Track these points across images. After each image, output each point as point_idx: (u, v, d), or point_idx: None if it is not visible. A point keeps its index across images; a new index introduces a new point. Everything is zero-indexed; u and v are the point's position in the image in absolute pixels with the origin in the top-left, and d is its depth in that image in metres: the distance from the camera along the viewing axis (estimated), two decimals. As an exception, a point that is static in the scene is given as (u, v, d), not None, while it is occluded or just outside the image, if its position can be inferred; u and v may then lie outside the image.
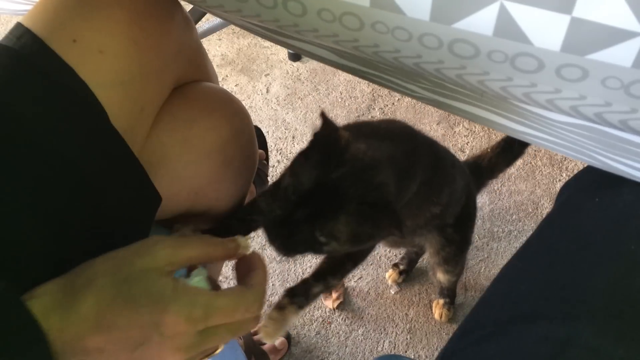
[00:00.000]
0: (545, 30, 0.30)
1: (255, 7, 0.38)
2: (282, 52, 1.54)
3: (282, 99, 1.45)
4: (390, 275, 1.11)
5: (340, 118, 1.39)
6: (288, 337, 1.06)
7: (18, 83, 0.44)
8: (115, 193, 0.47)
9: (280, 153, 1.33)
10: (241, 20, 0.41)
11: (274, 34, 0.42)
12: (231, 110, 0.60)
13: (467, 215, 0.87)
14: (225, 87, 1.37)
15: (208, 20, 1.46)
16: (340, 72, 1.46)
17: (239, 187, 0.64)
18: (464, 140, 1.31)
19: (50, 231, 0.43)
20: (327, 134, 0.51)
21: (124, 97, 0.47)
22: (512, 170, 1.24)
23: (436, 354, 1.00)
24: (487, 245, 1.16)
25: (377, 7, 0.34)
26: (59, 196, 0.44)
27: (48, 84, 0.44)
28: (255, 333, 0.99)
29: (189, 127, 0.55)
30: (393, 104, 1.40)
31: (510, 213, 1.20)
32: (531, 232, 0.56)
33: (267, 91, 1.48)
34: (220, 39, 1.61)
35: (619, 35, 0.29)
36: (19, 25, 0.47)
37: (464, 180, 0.83)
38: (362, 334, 1.07)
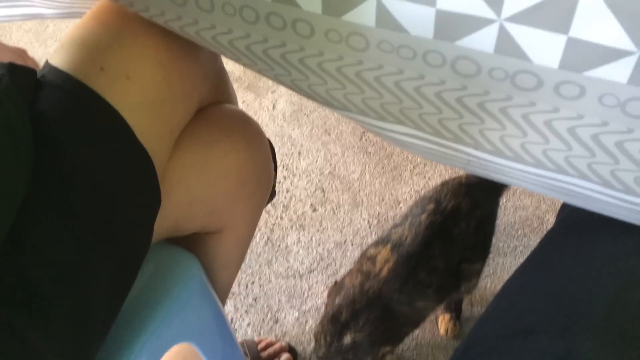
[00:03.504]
0: (544, 49, 0.32)
1: (264, 30, 0.39)
2: (289, 70, 1.56)
3: (288, 115, 1.47)
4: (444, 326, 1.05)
5: (346, 135, 1.40)
6: (294, 353, 1.06)
7: (46, 111, 0.44)
8: (134, 210, 0.48)
9: (286, 169, 1.34)
10: (245, 50, 0.42)
11: (263, 61, 0.43)
12: (249, 132, 0.62)
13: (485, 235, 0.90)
14: (232, 104, 1.39)
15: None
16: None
17: (254, 207, 0.66)
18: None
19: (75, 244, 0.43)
20: None
21: (153, 120, 0.49)
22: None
23: (442, 369, 1.00)
24: (493, 260, 1.16)
25: (382, 27, 0.35)
26: (87, 215, 0.44)
27: (75, 108, 0.45)
28: (262, 349, 1.00)
29: (208, 149, 0.57)
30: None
31: (515, 228, 1.21)
32: (536, 248, 0.56)
33: (274, 107, 1.49)
34: (227, 57, 1.63)
35: (613, 54, 0.30)
36: (46, 64, 0.48)
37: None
38: (368, 349, 1.07)
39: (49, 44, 1.74)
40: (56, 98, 0.44)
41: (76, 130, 0.44)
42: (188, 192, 0.56)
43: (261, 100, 1.51)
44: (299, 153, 1.38)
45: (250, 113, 1.46)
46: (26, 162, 0.40)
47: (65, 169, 0.43)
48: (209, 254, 0.64)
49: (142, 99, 0.47)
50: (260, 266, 1.18)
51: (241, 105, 1.50)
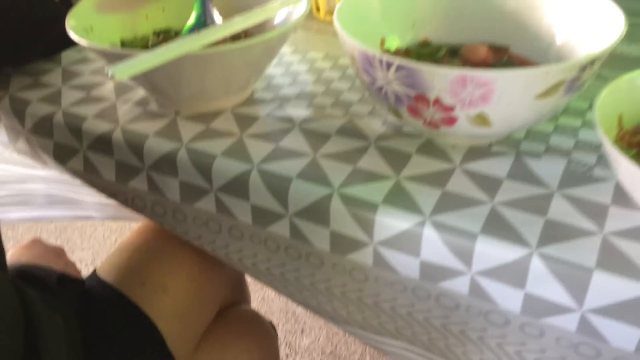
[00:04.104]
0: (507, 298, 0.39)
1: (282, 257, 0.48)
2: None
3: (294, 292, 1.52)
4: None
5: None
6: None
7: (93, 320, 0.52)
8: None
9: (288, 346, 1.37)
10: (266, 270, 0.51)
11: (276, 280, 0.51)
12: (260, 333, 0.68)
13: None
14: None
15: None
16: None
17: None
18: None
19: None
20: None
21: (183, 327, 0.56)
22: None
23: None
24: None
25: (378, 267, 0.43)
26: None
27: (118, 320, 0.53)
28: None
29: (224, 350, 0.63)
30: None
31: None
32: None
33: (280, 283, 1.56)
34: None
35: (561, 309, 0.37)
36: (94, 275, 0.57)
37: None
38: None
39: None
40: (103, 310, 0.52)
41: (116, 339, 0.51)
42: None
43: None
44: (302, 330, 1.41)
45: (257, 287, 1.53)
46: None
47: None
48: None
49: (175, 309, 0.55)
50: None
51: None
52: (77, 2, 0.53)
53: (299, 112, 0.52)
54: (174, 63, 0.43)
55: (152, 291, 0.55)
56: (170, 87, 0.48)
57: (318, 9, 0.73)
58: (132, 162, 0.50)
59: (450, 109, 0.40)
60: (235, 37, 0.56)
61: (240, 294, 0.72)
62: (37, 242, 0.69)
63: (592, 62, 0.38)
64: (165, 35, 0.56)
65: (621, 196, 0.40)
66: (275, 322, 1.41)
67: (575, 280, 0.36)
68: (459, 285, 0.41)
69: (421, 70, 0.38)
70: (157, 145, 0.48)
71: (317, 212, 0.43)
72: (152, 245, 0.57)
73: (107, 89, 0.56)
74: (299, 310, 1.47)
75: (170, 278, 0.56)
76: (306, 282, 0.49)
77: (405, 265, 0.42)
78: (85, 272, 1.54)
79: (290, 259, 0.48)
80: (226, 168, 0.46)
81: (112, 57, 0.45)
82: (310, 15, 0.74)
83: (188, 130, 0.49)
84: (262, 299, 1.50)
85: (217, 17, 0.56)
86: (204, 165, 0.46)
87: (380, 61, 0.39)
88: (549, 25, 0.50)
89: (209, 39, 0.43)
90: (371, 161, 0.45)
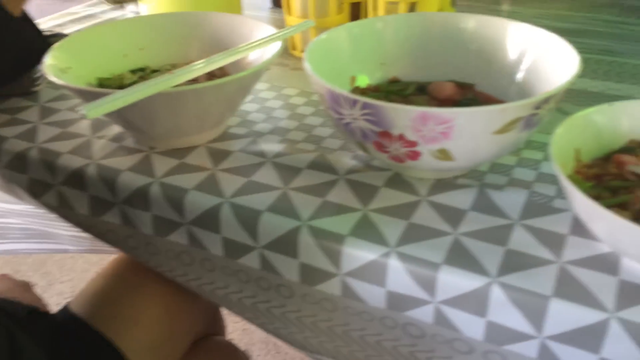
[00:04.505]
0: (470, 326, 0.40)
1: (254, 288, 0.49)
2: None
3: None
4: None
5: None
6: None
7: (63, 354, 0.52)
8: None
9: (269, 380, 1.36)
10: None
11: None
12: None
13: None
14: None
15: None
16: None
17: None
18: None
19: None
20: None
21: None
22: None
23: None
24: None
25: (346, 297, 0.44)
26: None
27: (87, 354, 0.53)
28: None
29: None
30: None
31: None
32: None
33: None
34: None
35: (521, 336, 0.38)
36: (66, 309, 0.57)
37: None
38: None
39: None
40: (73, 344, 0.52)
41: None
42: None
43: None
44: (283, 364, 1.40)
45: (241, 324, 1.52)
46: None
47: None
48: None
49: (147, 342, 0.55)
50: None
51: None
52: (57, 41, 0.55)
53: (271, 146, 0.53)
54: (148, 101, 0.44)
55: (124, 324, 0.55)
56: (145, 124, 0.49)
57: (294, 47, 0.75)
58: (106, 197, 0.51)
59: (414, 144, 0.42)
60: (211, 75, 0.57)
61: (215, 326, 0.73)
62: (4, 277, 0.69)
63: (546, 100, 0.40)
64: (142, 74, 0.58)
65: (578, 226, 0.42)
66: (256, 353, 1.40)
67: (534, 308, 0.37)
68: (424, 315, 0.42)
69: (385, 108, 0.40)
70: (130, 180, 0.49)
71: (286, 244, 0.44)
72: (125, 278, 0.58)
73: (83, 125, 0.58)
74: (280, 341, 1.46)
75: (142, 311, 0.56)
76: (277, 313, 0.49)
77: (372, 295, 0.43)
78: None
79: (261, 290, 0.48)
80: (198, 202, 0.47)
81: (86, 96, 0.47)
82: (286, 53, 0.76)
83: (161, 165, 0.51)
84: (243, 330, 1.50)
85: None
86: (176, 199, 0.47)
87: (346, 99, 0.41)
88: (510, 64, 0.53)
89: (181, 78, 0.44)
90: (340, 194, 0.46)
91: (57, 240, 0.68)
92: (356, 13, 0.76)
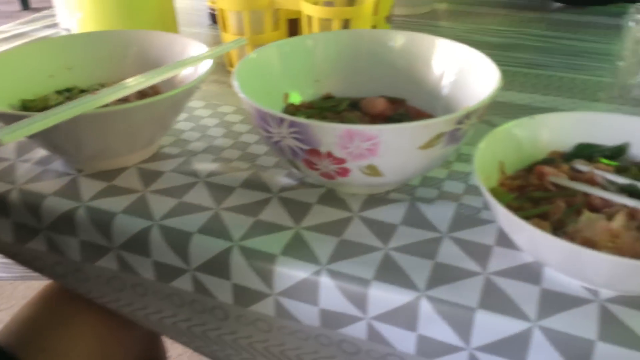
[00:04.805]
0: (402, 340, 0.41)
1: (188, 311, 0.48)
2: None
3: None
4: None
5: None
6: None
7: None
8: None
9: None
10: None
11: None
12: None
13: None
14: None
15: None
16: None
17: None
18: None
19: None
20: None
21: None
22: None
23: None
24: None
25: (280, 317, 0.44)
26: None
27: None
28: None
29: None
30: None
31: None
32: None
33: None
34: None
35: (450, 348, 0.39)
36: None
37: None
38: None
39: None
40: None
41: None
42: None
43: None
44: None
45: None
46: None
47: None
48: None
49: None
50: None
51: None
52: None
53: (205, 166, 0.53)
54: (73, 123, 0.43)
55: (53, 358, 0.53)
56: (70, 147, 0.48)
57: (232, 65, 0.75)
58: (30, 223, 0.49)
59: (342, 161, 0.42)
60: (143, 94, 0.56)
61: (155, 352, 0.71)
62: None
63: (467, 115, 0.41)
64: (69, 94, 0.56)
65: (503, 237, 0.43)
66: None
67: (461, 320, 0.38)
68: (358, 331, 0.42)
69: (311, 126, 0.40)
70: (55, 205, 0.48)
71: (219, 266, 0.44)
72: (55, 307, 0.56)
73: (8, 149, 0.56)
74: (230, 362, 1.44)
75: (73, 341, 0.54)
76: (213, 335, 0.49)
77: (306, 313, 0.43)
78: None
79: (195, 313, 0.48)
80: (126, 225, 0.46)
81: (4, 119, 0.45)
82: (223, 70, 0.76)
83: (89, 188, 0.49)
84: (192, 355, 1.47)
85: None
86: (103, 223, 0.46)
87: (273, 118, 0.41)
88: (437, 80, 0.54)
89: (107, 98, 0.43)
90: (273, 213, 0.46)
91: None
92: (294, 29, 0.76)
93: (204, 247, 0.44)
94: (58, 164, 0.53)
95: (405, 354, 0.41)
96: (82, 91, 0.57)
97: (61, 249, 0.49)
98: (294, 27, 0.76)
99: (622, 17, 0.73)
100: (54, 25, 0.96)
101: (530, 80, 0.71)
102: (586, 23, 0.92)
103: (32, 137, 0.47)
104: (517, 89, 0.69)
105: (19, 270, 0.65)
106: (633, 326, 0.35)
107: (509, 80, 0.71)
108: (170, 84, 0.57)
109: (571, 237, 0.38)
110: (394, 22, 0.93)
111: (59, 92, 0.57)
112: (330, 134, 0.40)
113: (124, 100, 0.52)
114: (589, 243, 0.37)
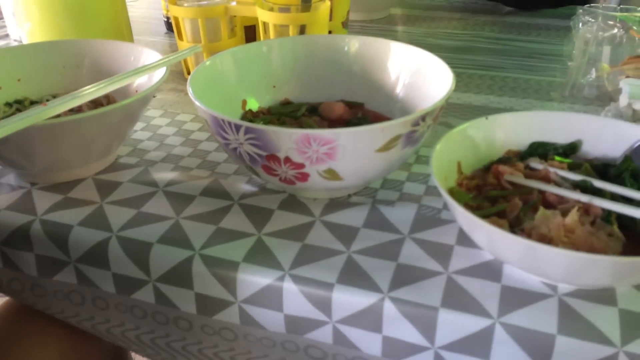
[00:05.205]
0: (368, 342, 0.41)
1: (151, 323, 0.47)
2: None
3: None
4: None
5: None
6: None
7: None
8: None
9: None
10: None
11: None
12: None
13: None
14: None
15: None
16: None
17: None
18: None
19: None
20: None
21: None
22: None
23: None
24: None
25: (245, 324, 0.44)
26: None
27: None
28: None
29: None
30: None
31: None
32: None
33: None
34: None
35: (416, 348, 0.39)
36: None
37: None
38: None
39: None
40: None
41: None
42: None
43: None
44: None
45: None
46: None
47: None
48: None
49: None
50: None
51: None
52: None
53: (164, 175, 0.52)
54: (23, 135, 0.42)
55: None
56: (22, 159, 0.46)
57: (189, 73, 0.74)
58: (-18, 239, 0.48)
59: (301, 166, 0.42)
60: (98, 105, 0.55)
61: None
62: None
63: (422, 117, 0.42)
64: (19, 106, 0.55)
65: (463, 236, 0.43)
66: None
67: (425, 320, 0.38)
68: (324, 335, 0.42)
69: (268, 132, 0.40)
70: (9, 220, 0.46)
71: (180, 276, 0.43)
72: (13, 324, 0.54)
73: (-42, 163, 0.54)
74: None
75: (35, 357, 0.53)
76: (178, 347, 0.48)
77: (271, 320, 0.42)
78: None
79: (158, 324, 0.47)
80: (83, 238, 0.45)
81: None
82: (181, 78, 0.75)
83: (43, 201, 0.48)
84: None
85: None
86: (59, 236, 0.45)
87: (229, 124, 0.41)
88: (393, 83, 0.55)
89: (57, 109, 0.42)
90: (234, 220, 0.46)
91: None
92: (252, 36, 0.76)
93: (164, 257, 0.43)
94: (10, 178, 0.51)
95: (372, 357, 0.42)
96: (33, 103, 0.56)
97: (17, 264, 0.48)
98: (251, 33, 0.76)
99: (571, 19, 0.75)
100: (5, 36, 0.93)
101: (486, 82, 0.72)
102: (538, 25, 0.94)
103: (-19, 150, 0.46)
104: (474, 90, 0.70)
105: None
106: (591, 319, 0.36)
107: (465, 82, 0.72)
108: (125, 93, 0.56)
109: (528, 234, 0.39)
110: (350, 27, 0.93)
111: (8, 105, 0.55)
112: (288, 139, 0.40)
113: (77, 111, 0.51)
114: (545, 239, 0.38)
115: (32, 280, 0.48)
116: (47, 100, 0.55)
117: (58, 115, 0.43)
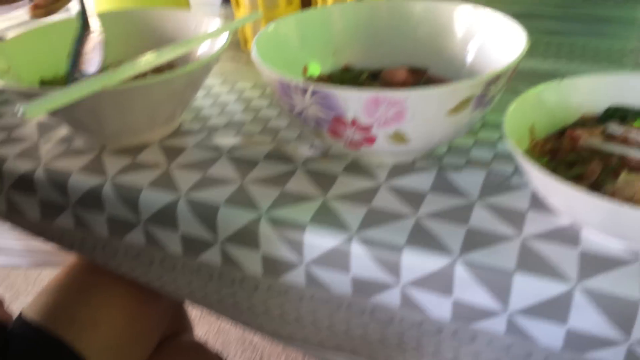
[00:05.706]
0: (437, 306, 0.40)
1: (217, 284, 0.47)
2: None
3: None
4: None
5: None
6: None
7: None
8: None
9: (243, 381, 1.34)
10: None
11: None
12: None
13: None
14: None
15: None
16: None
17: None
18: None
19: None
20: None
21: None
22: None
23: None
24: None
25: (311, 286, 0.43)
26: None
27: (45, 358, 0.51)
28: None
29: None
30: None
31: None
32: None
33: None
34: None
35: (488, 313, 0.38)
36: (19, 317, 0.55)
37: None
38: None
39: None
40: (27, 351, 0.50)
41: None
42: None
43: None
44: (261, 358, 1.39)
45: (213, 318, 1.50)
46: None
47: None
48: None
49: (107, 342, 0.54)
50: None
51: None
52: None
53: (227, 140, 0.52)
54: (94, 99, 0.43)
55: (82, 327, 0.53)
56: (93, 123, 0.47)
57: (247, 42, 0.74)
58: (57, 200, 0.49)
59: (368, 128, 0.41)
60: (159, 70, 0.56)
61: (181, 324, 0.71)
62: None
63: (496, 78, 0.40)
64: (87, 72, 0.56)
65: (537, 202, 0.42)
66: (233, 352, 1.38)
67: (498, 284, 0.37)
68: (391, 298, 0.41)
69: (335, 94, 0.39)
70: (81, 182, 0.48)
71: (247, 237, 0.43)
72: (82, 282, 0.56)
73: (30, 129, 0.55)
74: (257, 339, 1.44)
75: (101, 312, 0.54)
76: (244, 307, 0.48)
77: (337, 282, 0.42)
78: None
79: (225, 285, 0.47)
80: (153, 199, 0.45)
81: (26, 96, 0.45)
82: (239, 47, 0.75)
83: (113, 164, 0.49)
84: (218, 330, 1.48)
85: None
86: (130, 198, 0.46)
87: (296, 87, 0.40)
88: (460, 46, 0.53)
89: (126, 74, 0.43)
90: (298, 184, 0.46)
91: (8, 253, 0.66)
92: (307, 3, 0.75)
93: (231, 219, 0.43)
94: (80, 143, 0.53)
95: (439, 321, 0.41)
96: (106, 68, 0.57)
97: (88, 225, 0.49)
98: (306, 1, 0.75)
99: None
100: (66, 10, 0.95)
101: (552, 49, 0.69)
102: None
103: (56, 114, 0.47)
104: (540, 57, 0.67)
105: (40, 257, 0.65)
106: (676, 285, 0.34)
107: (530, 48, 0.69)
108: (186, 61, 0.56)
109: (610, 198, 0.37)
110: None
111: (78, 70, 0.56)
112: (356, 101, 0.39)
113: (142, 77, 0.52)
114: (629, 202, 0.36)
115: (103, 241, 0.50)
116: (114, 66, 0.56)
117: (124, 82, 0.44)
